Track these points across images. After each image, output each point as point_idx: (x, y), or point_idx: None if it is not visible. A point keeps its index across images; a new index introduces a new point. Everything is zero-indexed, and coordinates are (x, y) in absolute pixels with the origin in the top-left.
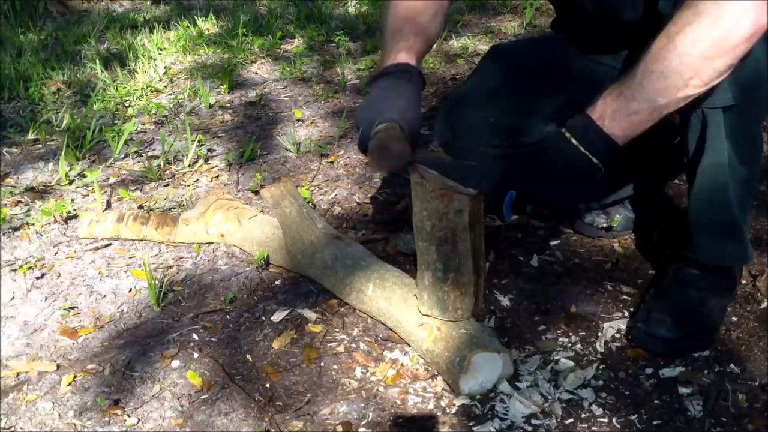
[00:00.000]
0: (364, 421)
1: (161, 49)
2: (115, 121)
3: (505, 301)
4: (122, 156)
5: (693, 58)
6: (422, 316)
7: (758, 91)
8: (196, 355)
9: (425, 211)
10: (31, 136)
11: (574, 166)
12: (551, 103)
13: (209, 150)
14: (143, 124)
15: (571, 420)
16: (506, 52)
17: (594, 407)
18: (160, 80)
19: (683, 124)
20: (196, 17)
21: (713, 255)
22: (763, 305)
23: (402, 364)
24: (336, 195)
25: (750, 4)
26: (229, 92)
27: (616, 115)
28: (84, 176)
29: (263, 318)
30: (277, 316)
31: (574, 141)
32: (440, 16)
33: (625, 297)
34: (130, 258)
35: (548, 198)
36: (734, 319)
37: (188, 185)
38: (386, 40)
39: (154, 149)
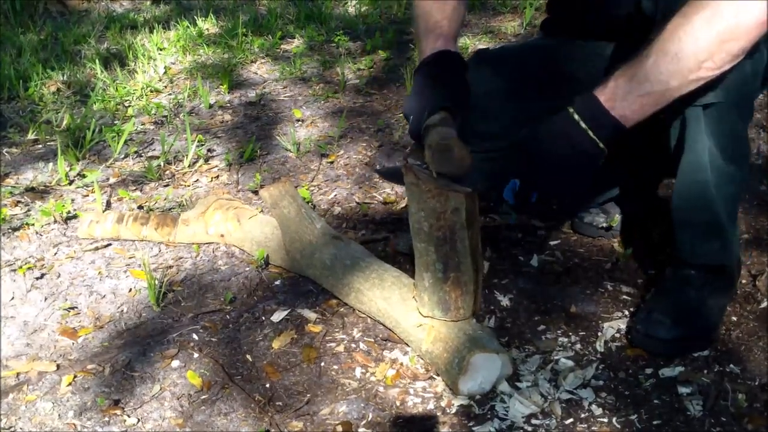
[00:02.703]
0: (364, 421)
1: (161, 49)
2: (115, 121)
3: (505, 301)
4: (122, 156)
5: (708, 40)
6: (422, 317)
7: (741, 89)
8: (196, 355)
9: (422, 211)
10: (30, 136)
11: (578, 148)
12: (532, 108)
13: (209, 150)
14: (143, 124)
15: (571, 420)
16: (489, 59)
17: (594, 407)
18: (160, 80)
19: (666, 122)
20: (196, 17)
21: (695, 253)
22: (763, 305)
23: (402, 364)
24: (336, 195)
25: None
26: (229, 92)
27: (628, 96)
28: (84, 176)
29: (263, 318)
30: (277, 316)
31: (582, 124)
32: (462, 8)
33: (625, 297)
34: (130, 258)
35: (549, 184)
36: (734, 319)
37: (188, 185)
38: (419, 33)
39: (154, 149)
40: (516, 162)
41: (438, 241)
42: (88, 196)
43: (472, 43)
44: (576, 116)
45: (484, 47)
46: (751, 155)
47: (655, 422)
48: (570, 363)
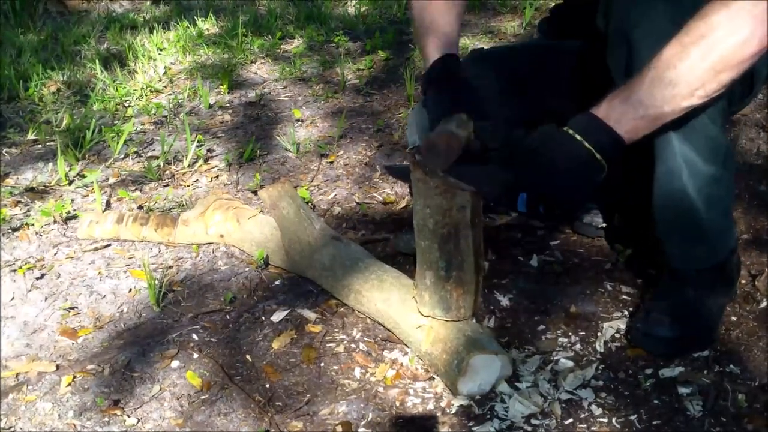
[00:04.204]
0: (363, 422)
1: (161, 50)
2: (115, 122)
3: (505, 301)
4: (122, 156)
5: (702, 69)
6: (421, 317)
7: None
8: (195, 356)
9: (428, 208)
10: (30, 136)
11: (579, 164)
12: (524, 109)
13: (209, 150)
14: (143, 124)
15: (571, 420)
16: (483, 59)
17: (594, 407)
18: (160, 80)
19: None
20: (195, 17)
21: (685, 259)
22: (763, 305)
23: (401, 365)
24: (336, 195)
25: (761, 21)
26: (228, 92)
27: (622, 118)
28: (83, 176)
29: (263, 318)
30: (277, 316)
31: (578, 137)
32: (459, 7)
33: (624, 297)
34: (130, 258)
35: (552, 198)
36: (734, 319)
37: (188, 185)
38: (419, 34)
39: (154, 149)
40: (521, 178)
41: (442, 239)
42: (87, 196)
43: (471, 43)
44: (570, 131)
45: (479, 47)
46: (734, 153)
47: (655, 422)
48: (570, 363)
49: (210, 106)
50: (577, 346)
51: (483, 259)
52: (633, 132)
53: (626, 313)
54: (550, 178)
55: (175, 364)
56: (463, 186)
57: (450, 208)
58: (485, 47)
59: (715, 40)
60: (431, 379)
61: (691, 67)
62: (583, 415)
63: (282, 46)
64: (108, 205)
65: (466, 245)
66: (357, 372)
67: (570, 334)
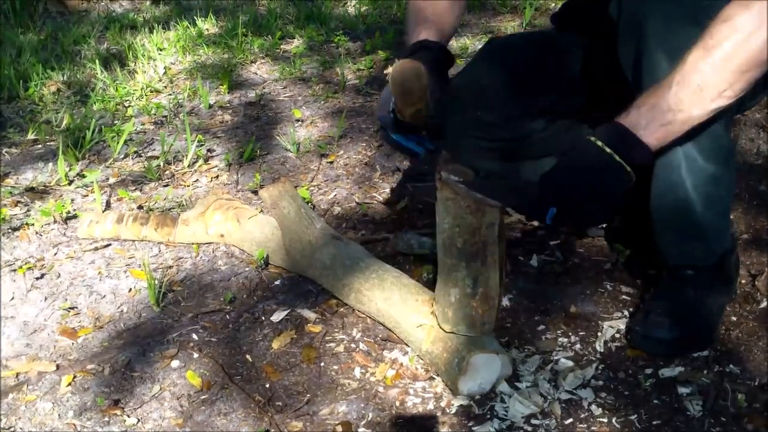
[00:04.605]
0: (363, 421)
1: (161, 50)
2: (115, 122)
3: (505, 301)
4: (122, 156)
5: (728, 71)
6: (422, 317)
7: None
8: (195, 355)
9: (458, 227)
10: (30, 136)
11: (608, 177)
12: (540, 100)
13: (209, 150)
14: (143, 124)
15: (571, 420)
16: (498, 49)
17: (594, 407)
18: (160, 80)
19: None
20: (195, 17)
21: (682, 254)
22: (763, 305)
23: (401, 365)
24: (336, 195)
25: None
26: (228, 92)
27: (651, 125)
28: (83, 176)
29: (263, 318)
30: (277, 316)
31: (607, 149)
32: (457, 8)
33: (624, 297)
34: (130, 258)
35: (580, 210)
36: (734, 319)
37: (188, 185)
38: (408, 30)
39: (154, 149)
40: (547, 191)
41: (470, 257)
42: (87, 196)
43: (472, 43)
44: (599, 143)
45: (496, 36)
46: (736, 152)
47: (655, 422)
48: (570, 363)
49: (210, 106)
50: (577, 346)
51: (504, 272)
52: (662, 139)
53: (626, 313)
54: (578, 191)
55: (175, 363)
56: (489, 201)
57: (480, 226)
58: (501, 35)
59: (739, 42)
60: (431, 378)
61: (717, 70)
62: (583, 415)
63: (282, 46)
64: (108, 205)
65: (492, 261)
66: (357, 372)
67: (570, 334)
